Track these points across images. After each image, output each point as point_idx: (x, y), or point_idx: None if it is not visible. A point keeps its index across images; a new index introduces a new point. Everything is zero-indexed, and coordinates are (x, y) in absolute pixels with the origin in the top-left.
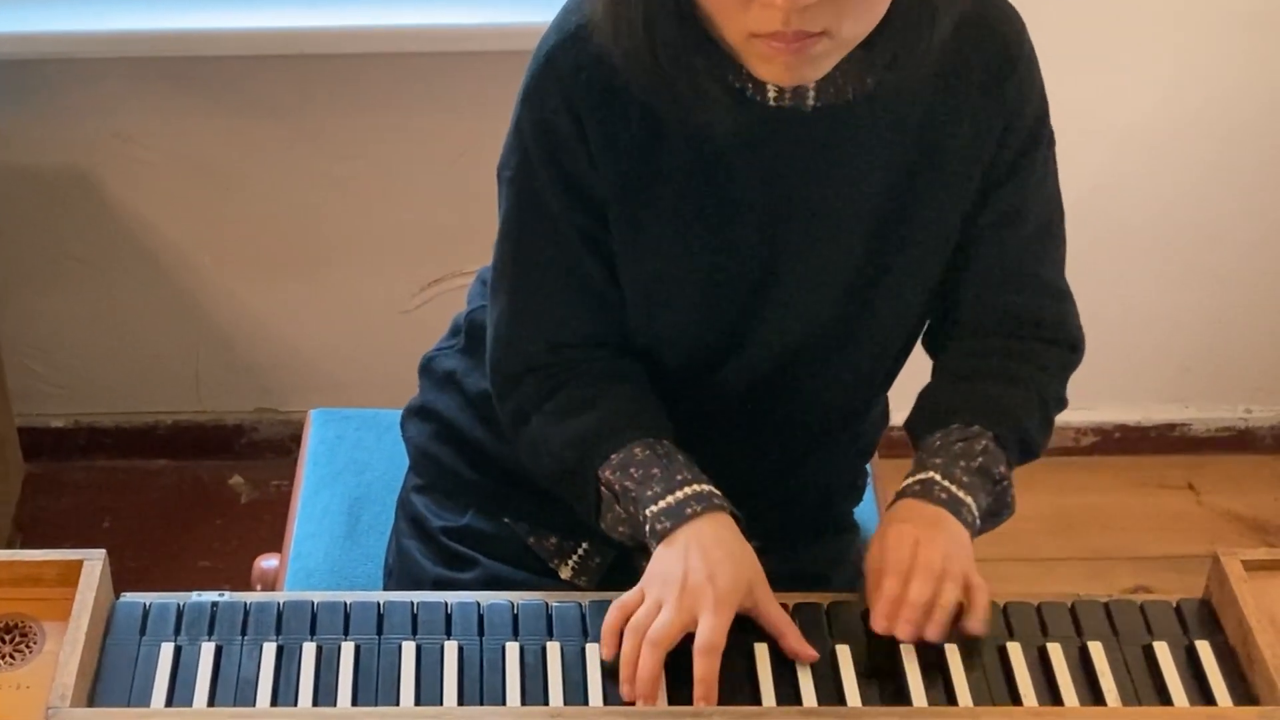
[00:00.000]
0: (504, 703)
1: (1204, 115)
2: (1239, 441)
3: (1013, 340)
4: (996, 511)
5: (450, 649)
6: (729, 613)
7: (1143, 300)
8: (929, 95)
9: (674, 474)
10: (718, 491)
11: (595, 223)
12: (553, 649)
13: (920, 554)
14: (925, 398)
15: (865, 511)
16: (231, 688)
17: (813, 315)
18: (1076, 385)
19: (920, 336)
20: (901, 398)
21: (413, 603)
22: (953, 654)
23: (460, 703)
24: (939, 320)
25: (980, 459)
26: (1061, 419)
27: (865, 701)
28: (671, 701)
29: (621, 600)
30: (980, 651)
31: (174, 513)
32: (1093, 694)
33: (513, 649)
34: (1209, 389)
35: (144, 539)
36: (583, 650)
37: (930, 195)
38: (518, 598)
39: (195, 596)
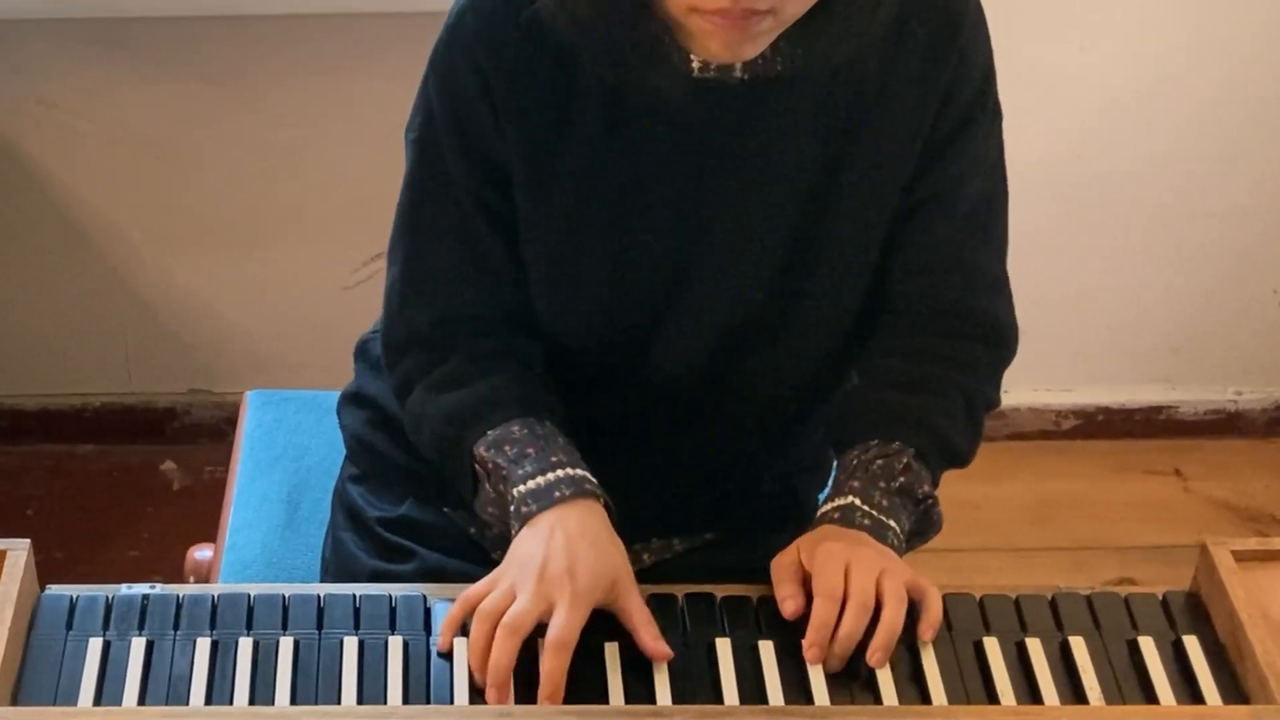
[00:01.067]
0: (451, 701)
1: (1187, 80)
2: (1228, 425)
3: (937, 338)
4: (921, 531)
5: (394, 644)
6: (585, 609)
7: (1127, 275)
8: (866, 67)
9: (549, 455)
10: (592, 477)
11: (497, 194)
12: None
13: (854, 580)
14: (843, 408)
15: None
16: (163, 685)
17: (740, 297)
18: (1057, 366)
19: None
20: None
21: (355, 595)
22: (926, 649)
23: (405, 701)
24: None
25: (901, 479)
26: (1041, 401)
27: (834, 699)
28: (628, 699)
29: (468, 593)
30: (955, 647)
31: (102, 500)
32: (1074, 692)
33: (460, 645)
34: (1197, 370)
35: (70, 528)
36: (530, 643)
37: (864, 173)
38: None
39: (125, 589)
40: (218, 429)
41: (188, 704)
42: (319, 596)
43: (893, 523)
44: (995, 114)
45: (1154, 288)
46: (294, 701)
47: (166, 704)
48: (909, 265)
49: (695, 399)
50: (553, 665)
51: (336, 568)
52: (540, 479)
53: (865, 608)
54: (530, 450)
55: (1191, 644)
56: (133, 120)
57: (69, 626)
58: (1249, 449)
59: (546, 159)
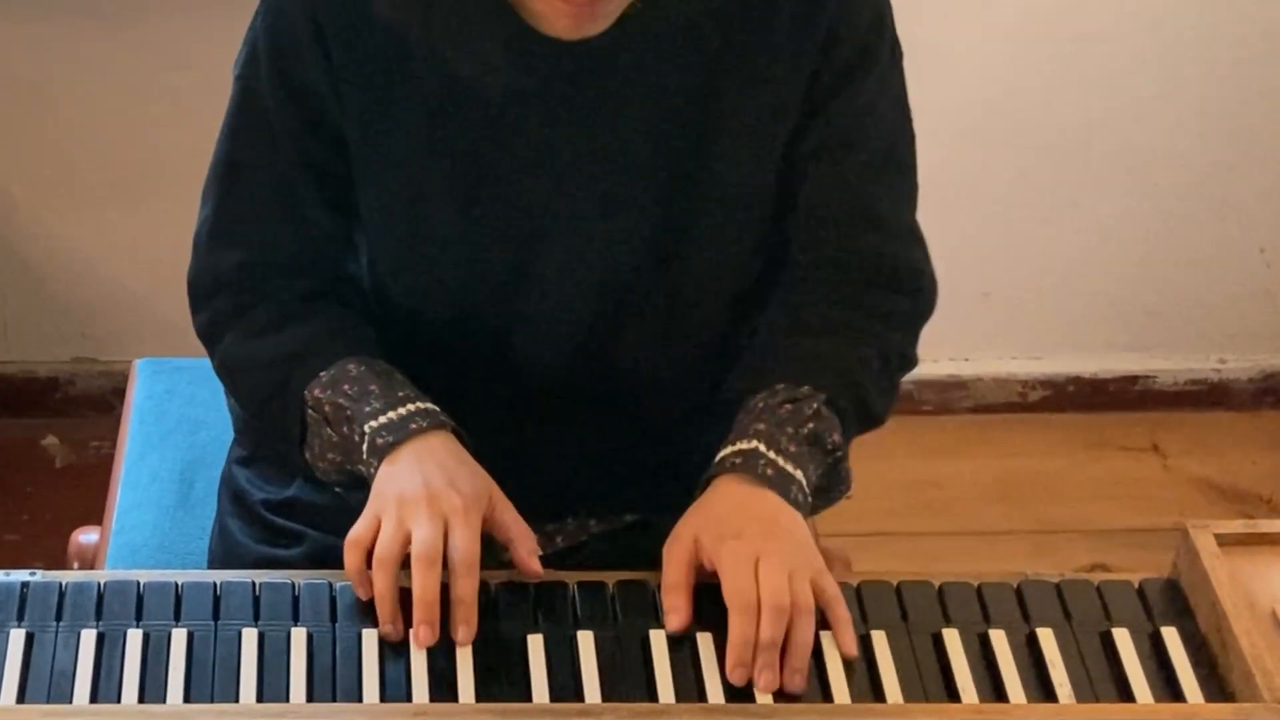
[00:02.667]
0: (360, 698)
1: (1164, 22)
2: (1211, 396)
3: (847, 287)
4: (828, 487)
5: (297, 636)
6: (478, 520)
7: (1100, 233)
8: (732, 13)
9: (394, 390)
10: (440, 410)
11: (322, 145)
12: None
13: (765, 582)
14: (748, 354)
15: None
16: (45, 680)
17: (608, 267)
18: (1023, 332)
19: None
20: None
21: (254, 583)
22: (880, 641)
23: (309, 698)
24: (771, 272)
25: (811, 424)
26: (1008, 371)
27: (778, 697)
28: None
29: (354, 535)
30: (913, 639)
31: None
32: (1042, 688)
33: (370, 636)
34: (1177, 336)
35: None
36: (446, 633)
37: (735, 129)
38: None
39: (2, 576)
40: (104, 401)
41: (71, 702)
42: (215, 584)
43: (799, 473)
44: (893, 54)
45: (1129, 246)
46: (188, 699)
47: (48, 702)
48: (813, 217)
49: (578, 372)
50: (466, 589)
51: (222, 557)
52: (392, 414)
53: (781, 613)
54: (373, 387)
55: (1170, 636)
56: (7, 61)
57: None
58: (1233, 422)
59: (382, 125)
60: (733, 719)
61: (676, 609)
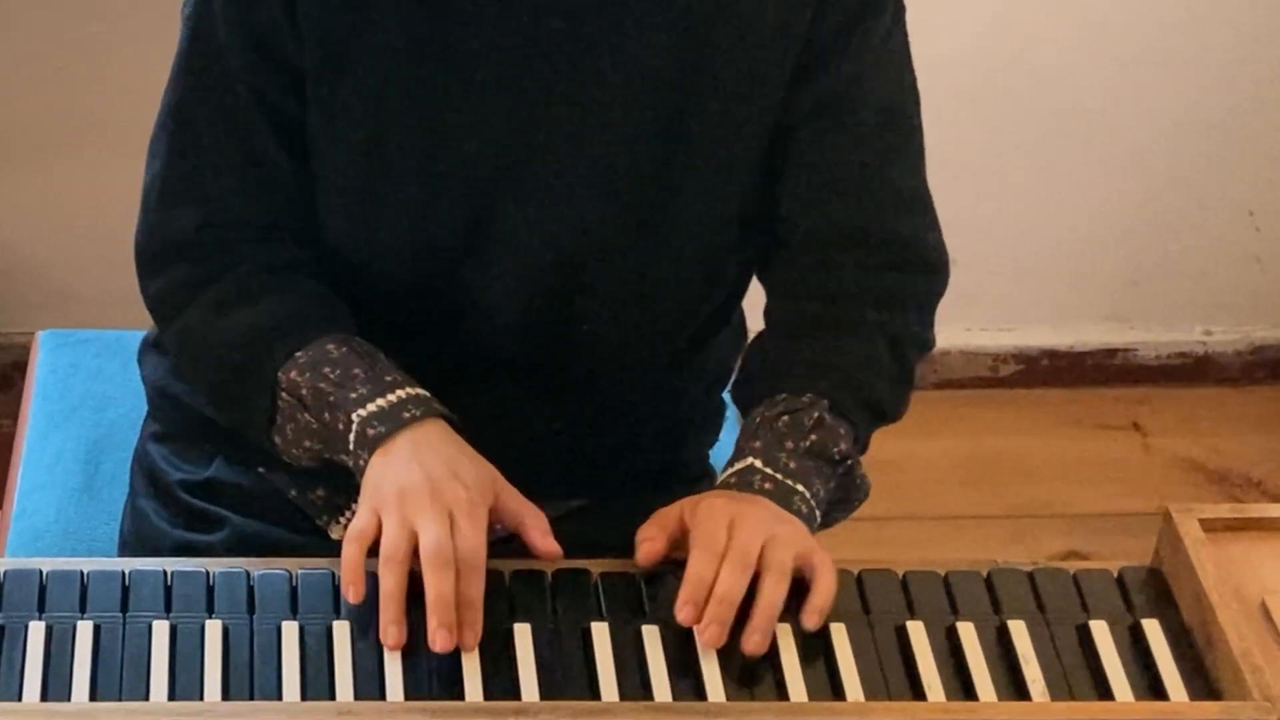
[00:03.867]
0: (279, 696)
1: None
2: (1196, 371)
3: (851, 271)
4: (844, 499)
5: (212, 629)
6: (484, 516)
7: (1078, 196)
8: None
9: (381, 375)
10: (429, 394)
11: (281, 88)
12: (340, 629)
13: (736, 533)
14: (748, 361)
15: (724, 453)
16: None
17: (581, 223)
18: (995, 302)
19: (756, 253)
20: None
21: (166, 572)
22: (839, 633)
23: (225, 696)
24: (768, 243)
25: (813, 437)
26: (978, 343)
27: (730, 694)
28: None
29: (355, 530)
30: (875, 632)
31: None
32: (1014, 685)
33: (290, 629)
34: (1160, 306)
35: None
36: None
37: (720, 90)
38: (296, 565)
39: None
40: (3, 375)
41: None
42: (123, 573)
43: (801, 487)
44: (896, 10)
45: (1109, 210)
46: (94, 697)
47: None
48: (809, 187)
49: (535, 343)
50: (475, 588)
51: (136, 542)
52: (381, 401)
53: (745, 566)
54: (357, 370)
55: (1152, 629)
56: None
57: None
58: (1220, 399)
59: (342, 61)
60: (680, 717)
61: (651, 538)
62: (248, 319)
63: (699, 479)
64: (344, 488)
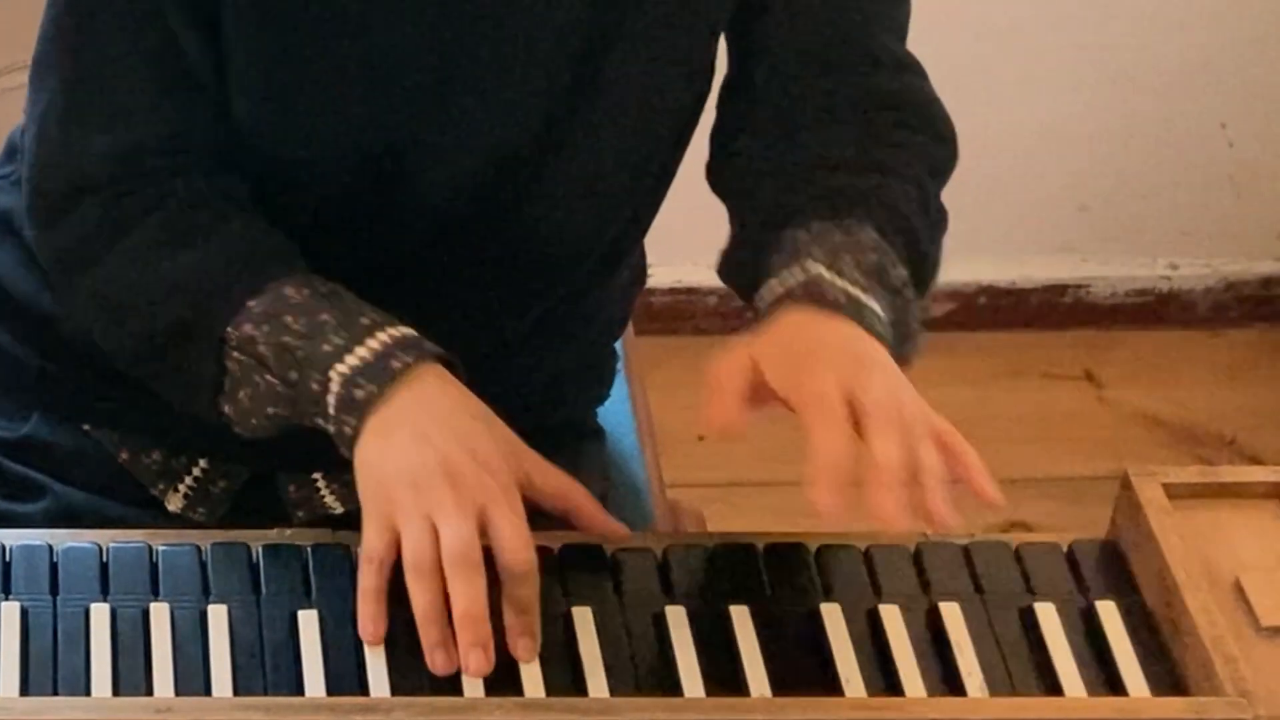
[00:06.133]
0: (87, 691)
1: None
2: (1158, 311)
3: (873, 127)
4: (902, 339)
5: (9, 612)
6: (519, 501)
7: (1021, 108)
8: None
9: (353, 316)
10: (414, 332)
11: None
12: (159, 612)
13: (871, 402)
14: (756, 204)
15: (615, 413)
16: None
17: (515, 111)
18: None
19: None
20: (668, 247)
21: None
22: (741, 619)
23: (24, 691)
24: (728, 140)
25: (873, 255)
26: None
27: (614, 690)
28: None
29: (371, 550)
30: (783, 615)
31: None
32: (945, 677)
33: (101, 612)
34: (1116, 235)
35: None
36: (203, 615)
37: None
38: (107, 538)
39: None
40: None
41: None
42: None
43: (874, 304)
44: None
45: (1057, 124)
46: None
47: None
48: (789, 57)
49: (447, 261)
50: (527, 596)
51: None
52: (363, 349)
53: (895, 420)
54: (325, 316)
55: (1108, 611)
56: None
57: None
58: (1186, 344)
59: None
60: (551, 714)
61: (727, 406)
62: (184, 266)
63: (585, 438)
64: (184, 451)
